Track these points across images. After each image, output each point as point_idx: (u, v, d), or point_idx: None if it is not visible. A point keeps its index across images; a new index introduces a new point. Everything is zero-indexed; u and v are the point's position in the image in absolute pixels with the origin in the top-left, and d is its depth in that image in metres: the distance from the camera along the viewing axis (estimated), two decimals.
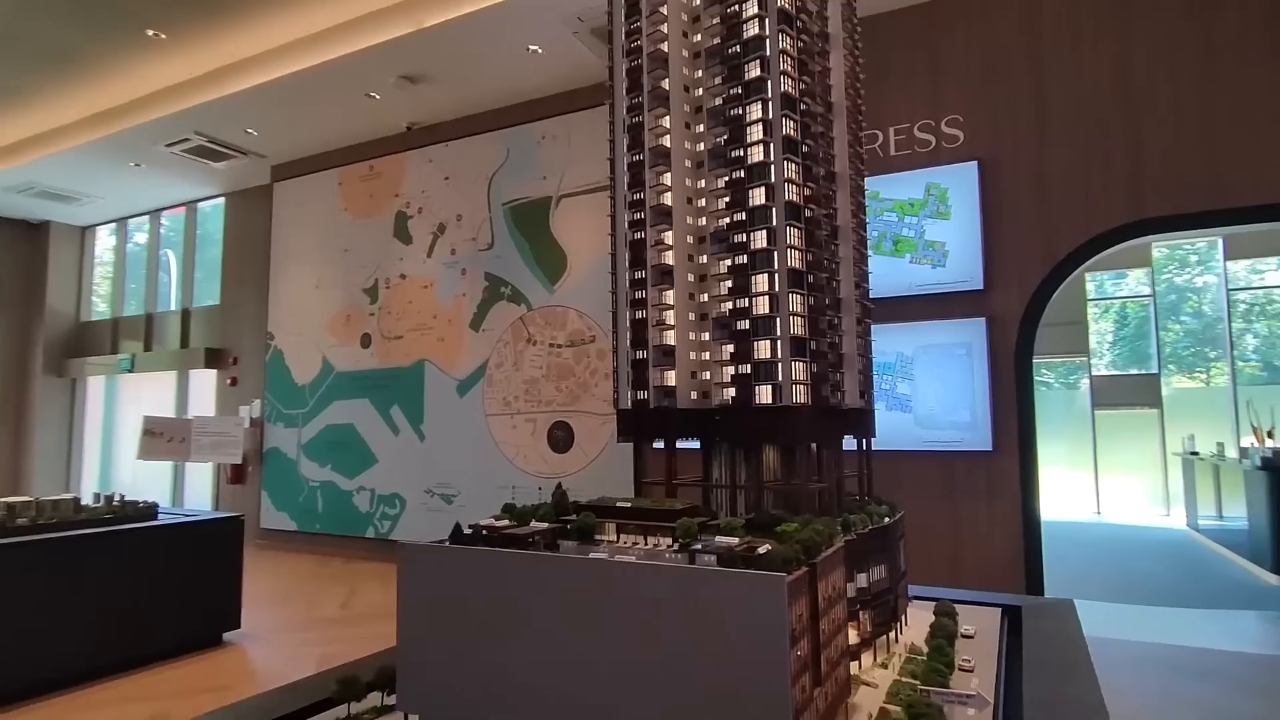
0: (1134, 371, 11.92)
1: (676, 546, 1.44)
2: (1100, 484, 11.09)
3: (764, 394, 1.67)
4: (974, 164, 5.13)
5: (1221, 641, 4.53)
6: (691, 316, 1.87)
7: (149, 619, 4.30)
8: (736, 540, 1.28)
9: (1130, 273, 11.66)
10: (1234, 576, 6.43)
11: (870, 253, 5.25)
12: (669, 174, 1.87)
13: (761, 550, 1.18)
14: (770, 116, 1.71)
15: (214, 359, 9.90)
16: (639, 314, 1.89)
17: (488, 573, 1.32)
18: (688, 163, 1.90)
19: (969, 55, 5.26)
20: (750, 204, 1.72)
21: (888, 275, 5.34)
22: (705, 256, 1.87)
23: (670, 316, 1.84)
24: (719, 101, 1.81)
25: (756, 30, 1.75)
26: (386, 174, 8.31)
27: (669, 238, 1.86)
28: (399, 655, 1.40)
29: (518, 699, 1.26)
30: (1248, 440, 7.83)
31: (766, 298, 1.68)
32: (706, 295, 1.87)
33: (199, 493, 10.15)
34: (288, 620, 5.28)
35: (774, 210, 1.69)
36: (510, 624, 1.29)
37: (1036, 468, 4.85)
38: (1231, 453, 7.86)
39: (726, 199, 1.77)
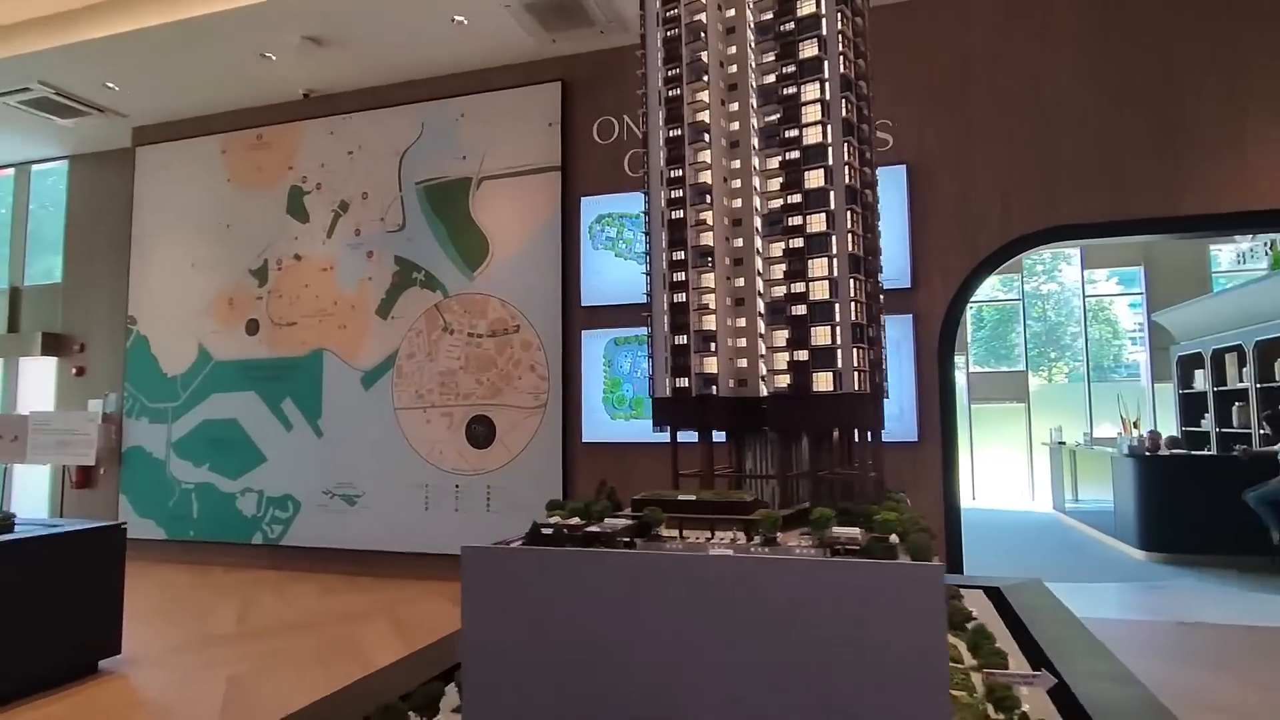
0: (1004, 369, 13.16)
1: (759, 539, 1.39)
2: (975, 472, 12.19)
3: (823, 381, 1.65)
4: (903, 167, 5.42)
5: (1108, 611, 5.08)
6: (728, 301, 1.82)
7: (4, 650, 3.68)
8: (859, 530, 1.25)
9: (995, 277, 12.91)
10: (1103, 553, 7.25)
11: None
12: (708, 151, 1.81)
13: (887, 541, 1.16)
14: (828, 97, 1.69)
15: (54, 345, 8.68)
16: (678, 297, 1.81)
17: (584, 576, 1.21)
18: (723, 141, 1.84)
19: (900, 63, 5.54)
20: (807, 186, 1.70)
21: None
22: (741, 239, 1.83)
23: (711, 300, 1.78)
24: (770, 79, 1.77)
25: (812, 9, 1.73)
26: (278, 144, 7.61)
27: (709, 218, 1.80)
28: (466, 674, 1.25)
29: (618, 715, 1.16)
30: (1116, 430, 8.85)
31: (826, 283, 1.66)
32: (742, 280, 1.83)
33: (34, 499, 8.88)
34: (176, 641, 4.71)
35: (832, 193, 1.67)
36: (610, 632, 1.18)
37: (957, 457, 5.22)
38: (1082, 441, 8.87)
39: (780, 180, 1.74)
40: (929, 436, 5.23)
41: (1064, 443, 9.58)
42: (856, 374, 1.63)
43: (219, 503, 7.42)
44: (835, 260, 1.66)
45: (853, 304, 1.64)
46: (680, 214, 1.83)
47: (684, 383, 1.80)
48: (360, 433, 6.95)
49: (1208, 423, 9.06)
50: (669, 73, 1.88)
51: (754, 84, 1.78)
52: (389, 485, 6.79)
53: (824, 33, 1.71)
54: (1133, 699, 1.48)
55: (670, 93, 1.87)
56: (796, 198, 1.70)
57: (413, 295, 6.95)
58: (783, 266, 1.71)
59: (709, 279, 1.80)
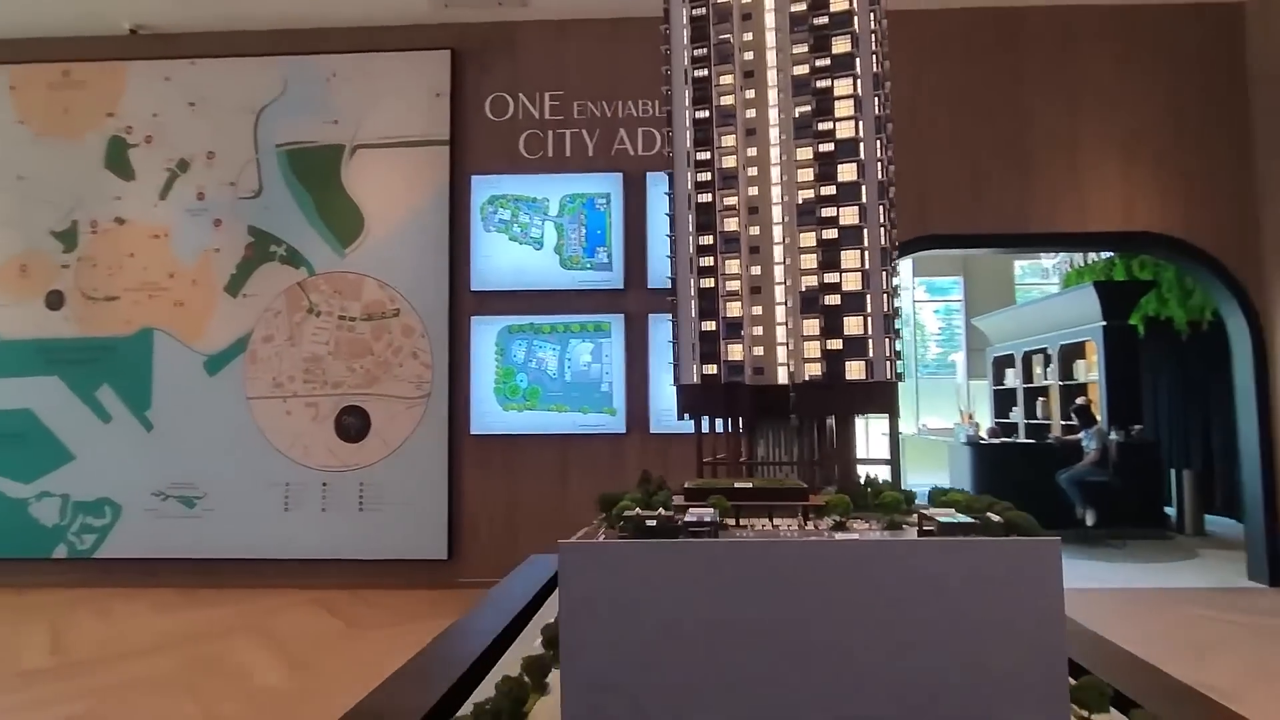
0: None
1: (830, 524, 1.43)
2: None
3: (855, 369, 1.72)
4: None
5: None
6: (748, 289, 1.84)
7: None
8: (953, 510, 1.32)
9: None
10: None
11: None
12: (733, 137, 1.81)
13: (985, 518, 1.24)
14: (860, 93, 1.76)
15: None
16: (705, 282, 1.80)
17: (692, 569, 1.17)
18: (752, 129, 1.86)
19: None
20: (840, 179, 1.75)
21: None
22: (757, 227, 1.86)
23: (737, 287, 1.80)
24: (803, 70, 1.80)
25: (845, 5, 1.78)
26: (94, 85, 6.50)
27: (736, 204, 1.80)
28: (566, 680, 1.16)
29: (734, 709, 1.14)
30: (951, 421, 10.01)
31: (859, 274, 1.73)
32: (758, 268, 1.85)
33: None
34: None
35: (864, 187, 1.74)
36: (730, 622, 1.15)
37: None
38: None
39: (813, 171, 1.78)
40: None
41: (900, 433, 10.70)
42: (887, 363, 1.71)
43: (4, 511, 6.22)
44: (867, 253, 1.73)
45: (884, 295, 1.73)
46: (708, 198, 1.81)
47: (711, 369, 1.79)
48: (203, 425, 6.15)
49: (1016, 415, 10.54)
50: (696, 52, 1.85)
51: (790, 74, 1.80)
52: (239, 484, 6.08)
53: (856, 29, 1.77)
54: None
55: (697, 73, 1.85)
56: (830, 189, 1.75)
57: (271, 271, 6.26)
58: (814, 256, 1.76)
59: (734, 265, 1.81)
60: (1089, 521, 7.18)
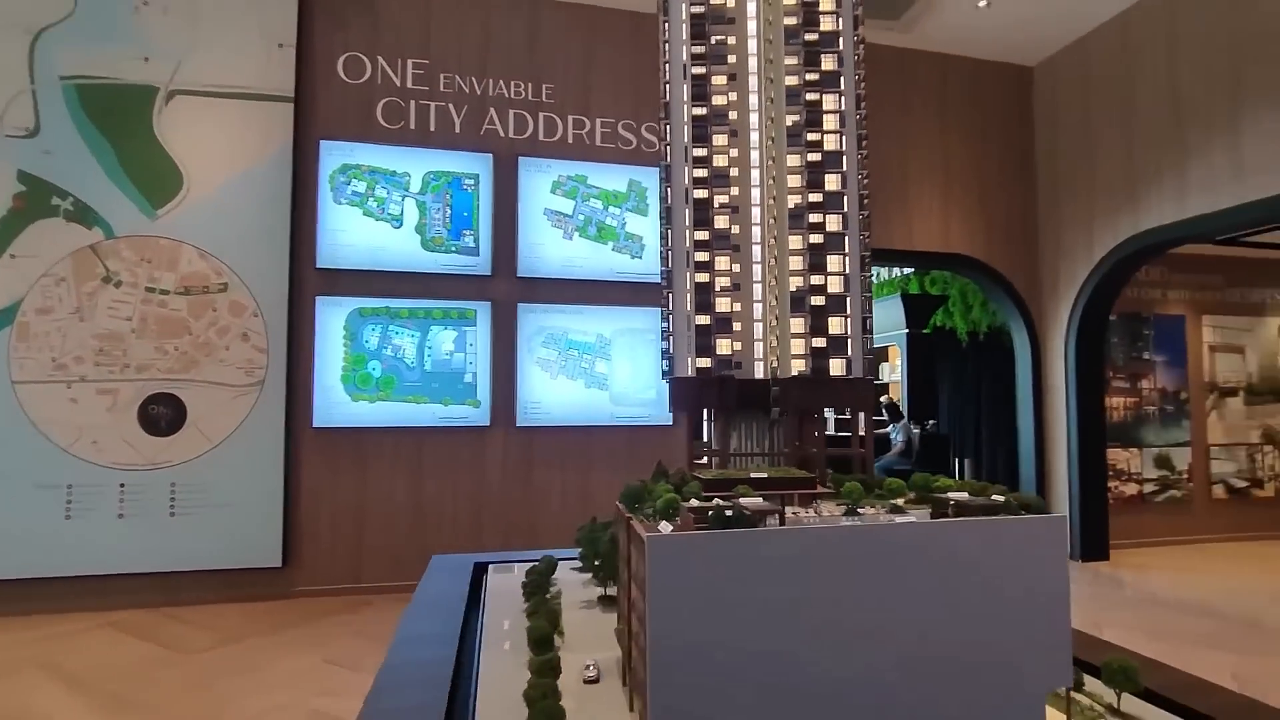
0: None
1: (843, 511, 1.55)
2: None
3: (836, 366, 1.87)
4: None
5: None
6: (736, 286, 1.93)
7: None
8: (967, 494, 1.48)
9: None
10: None
11: (575, 235, 5.65)
12: (724, 137, 1.89)
13: (996, 499, 1.42)
14: (845, 109, 1.91)
15: None
16: (701, 277, 1.85)
17: (777, 554, 1.22)
18: (746, 132, 1.94)
19: None
20: (827, 188, 1.89)
21: (592, 259, 5.79)
22: (738, 226, 1.95)
23: (726, 283, 1.87)
24: (793, 81, 1.91)
25: (832, 26, 1.92)
26: None
27: (728, 202, 1.88)
28: (653, 676, 1.15)
29: (813, 689, 1.21)
30: None
31: (841, 278, 1.88)
32: (738, 265, 1.94)
33: None
34: None
35: (846, 197, 1.90)
36: (807, 602, 1.22)
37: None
38: None
39: (800, 178, 1.90)
40: (680, 420, 5.87)
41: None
42: (864, 361, 1.89)
43: None
44: (848, 258, 1.89)
45: (861, 299, 1.89)
46: (704, 194, 1.87)
47: (705, 363, 1.85)
48: None
49: (830, 411, 11.72)
50: (694, 49, 1.89)
51: (783, 85, 1.90)
52: (2, 489, 5.00)
53: (841, 50, 1.92)
54: None
55: (695, 70, 1.89)
56: (817, 197, 1.89)
57: (51, 229, 5.22)
58: (802, 259, 1.88)
59: (723, 262, 1.88)
60: None
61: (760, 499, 1.40)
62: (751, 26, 1.96)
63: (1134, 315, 6.90)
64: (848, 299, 1.88)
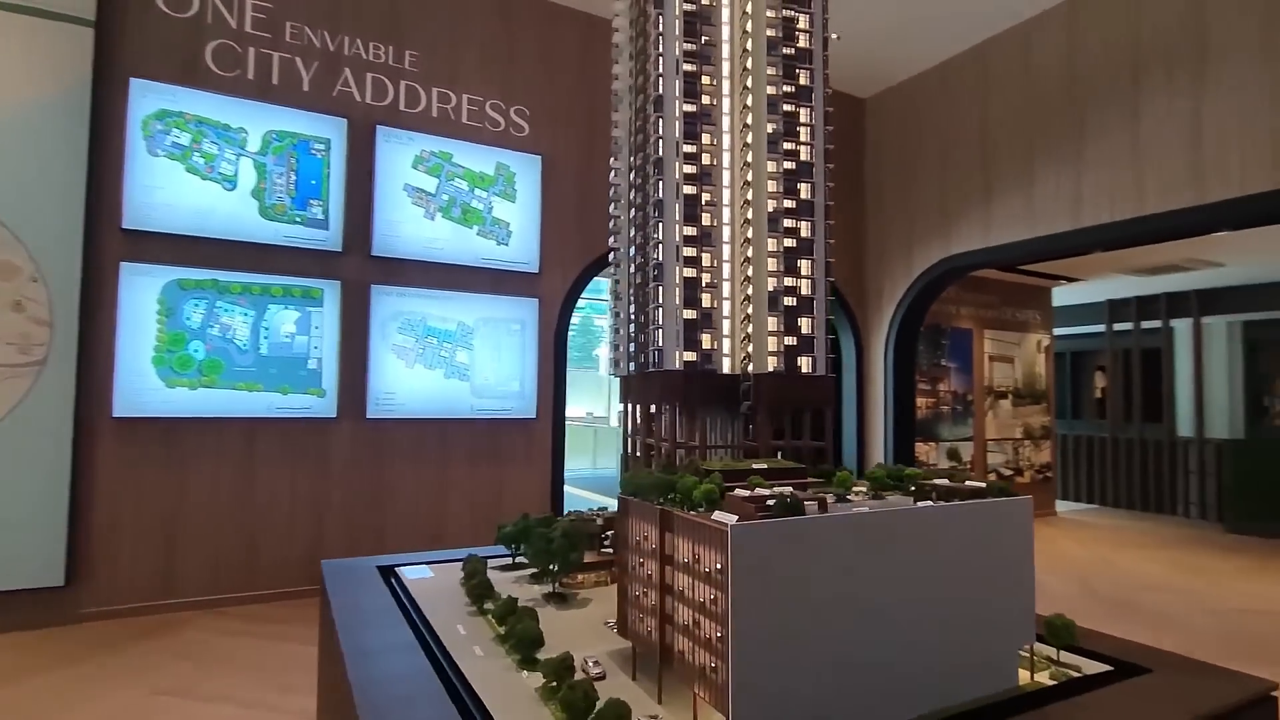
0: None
1: (834, 498, 1.69)
2: None
3: (804, 364, 2.01)
4: (538, 158, 5.87)
5: None
6: (704, 282, 2.01)
7: None
8: (949, 480, 1.66)
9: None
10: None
11: (438, 216, 5.45)
12: (710, 136, 1.96)
13: (972, 484, 1.62)
14: (815, 123, 2.06)
15: None
16: (689, 272, 1.90)
17: (842, 537, 1.31)
18: (730, 135, 2.02)
19: (539, 59, 5.97)
20: (801, 196, 2.02)
21: (455, 242, 5.56)
22: (710, 223, 2.03)
23: (709, 279, 1.95)
24: (775, 91, 2.02)
25: (807, 44, 2.06)
26: None
27: (713, 200, 1.95)
28: (736, 658, 1.18)
29: (872, 667, 1.32)
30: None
31: (809, 281, 2.02)
32: (709, 260, 2.03)
33: None
34: None
35: (816, 205, 2.05)
36: (863, 593, 1.33)
37: (564, 434, 5.96)
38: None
39: (777, 185, 2.01)
40: (544, 414, 5.83)
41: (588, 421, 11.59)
42: (827, 360, 2.05)
43: None
44: (815, 263, 2.05)
45: (825, 301, 2.06)
46: (693, 190, 1.92)
47: (691, 356, 1.90)
48: None
49: None
50: (687, 45, 1.93)
51: (764, 94, 2.01)
52: None
53: (815, 66, 2.07)
54: None
55: (687, 67, 1.93)
56: (791, 203, 2.02)
57: None
58: (777, 261, 2.00)
59: (706, 259, 1.95)
60: None
61: (789, 488, 1.49)
62: (725, 32, 2.05)
63: (935, 327, 8.03)
64: (814, 301, 2.04)
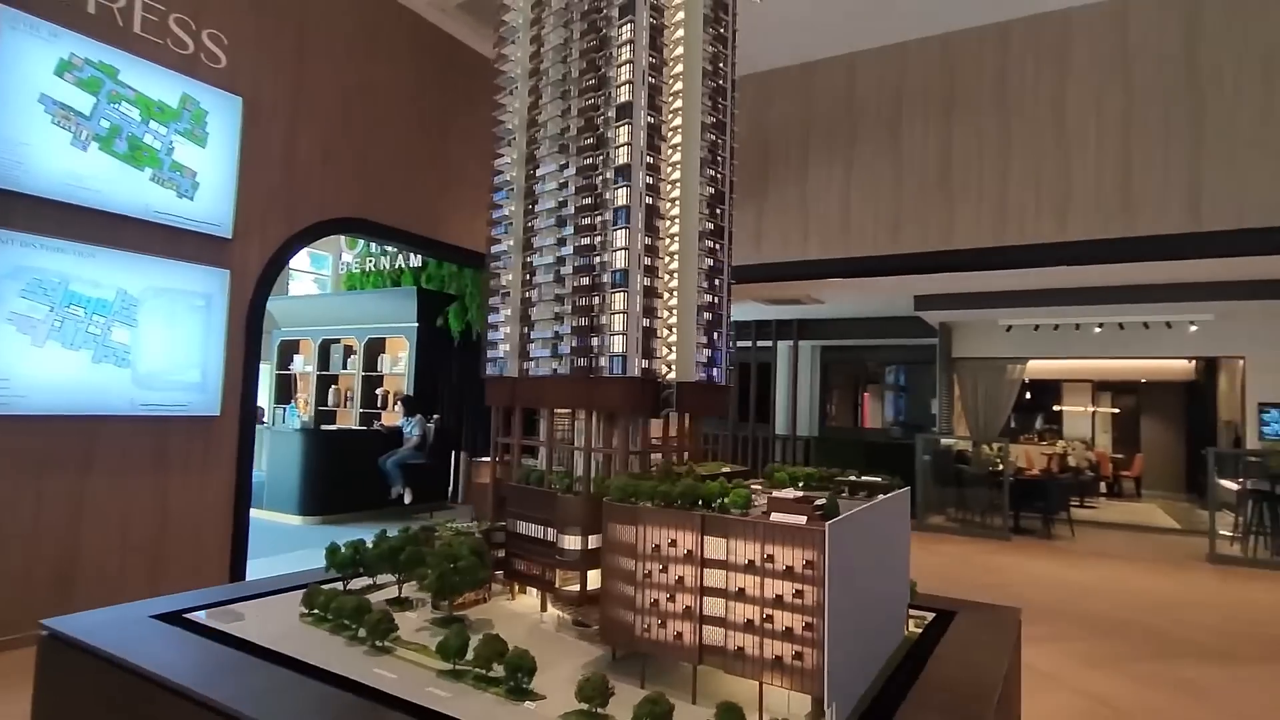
0: None
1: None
2: None
3: (716, 374, 2.22)
4: (239, 100, 4.93)
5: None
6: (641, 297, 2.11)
7: None
8: (853, 479, 2.00)
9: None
10: (262, 525, 7.94)
11: (93, 146, 4.47)
12: (664, 151, 2.08)
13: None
14: (727, 154, 2.30)
15: None
16: (646, 281, 1.97)
17: (868, 528, 1.55)
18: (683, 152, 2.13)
19: None
20: (720, 221, 2.23)
21: (118, 185, 4.39)
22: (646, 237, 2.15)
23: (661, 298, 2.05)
24: (710, 120, 2.19)
25: (725, 83, 2.29)
26: None
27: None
28: (831, 648, 1.34)
29: (865, 635, 1.58)
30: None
31: (722, 299, 2.25)
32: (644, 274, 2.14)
33: None
34: None
35: (726, 229, 2.28)
36: (866, 576, 1.59)
37: (254, 435, 5.09)
38: None
39: (705, 208, 2.19)
40: (230, 412, 4.89)
41: None
42: (728, 371, 2.31)
43: None
44: (724, 282, 2.29)
45: (729, 317, 2.31)
46: (651, 201, 2.00)
47: (646, 363, 1.97)
48: None
49: (314, 402, 11.03)
50: (651, 58, 2.00)
51: (698, 118, 2.17)
52: None
53: (728, 102, 2.32)
54: None
55: (651, 79, 2.00)
56: (711, 225, 2.23)
57: None
58: (704, 276, 2.19)
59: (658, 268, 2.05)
60: (407, 499, 8.43)
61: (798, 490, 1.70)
62: (665, 53, 2.17)
63: None
64: (723, 317, 2.28)
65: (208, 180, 4.78)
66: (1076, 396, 15.74)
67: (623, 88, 1.97)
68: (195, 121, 4.73)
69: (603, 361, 1.96)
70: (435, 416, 9.35)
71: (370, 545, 2.19)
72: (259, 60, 5.10)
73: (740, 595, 1.48)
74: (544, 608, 2.13)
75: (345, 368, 10.86)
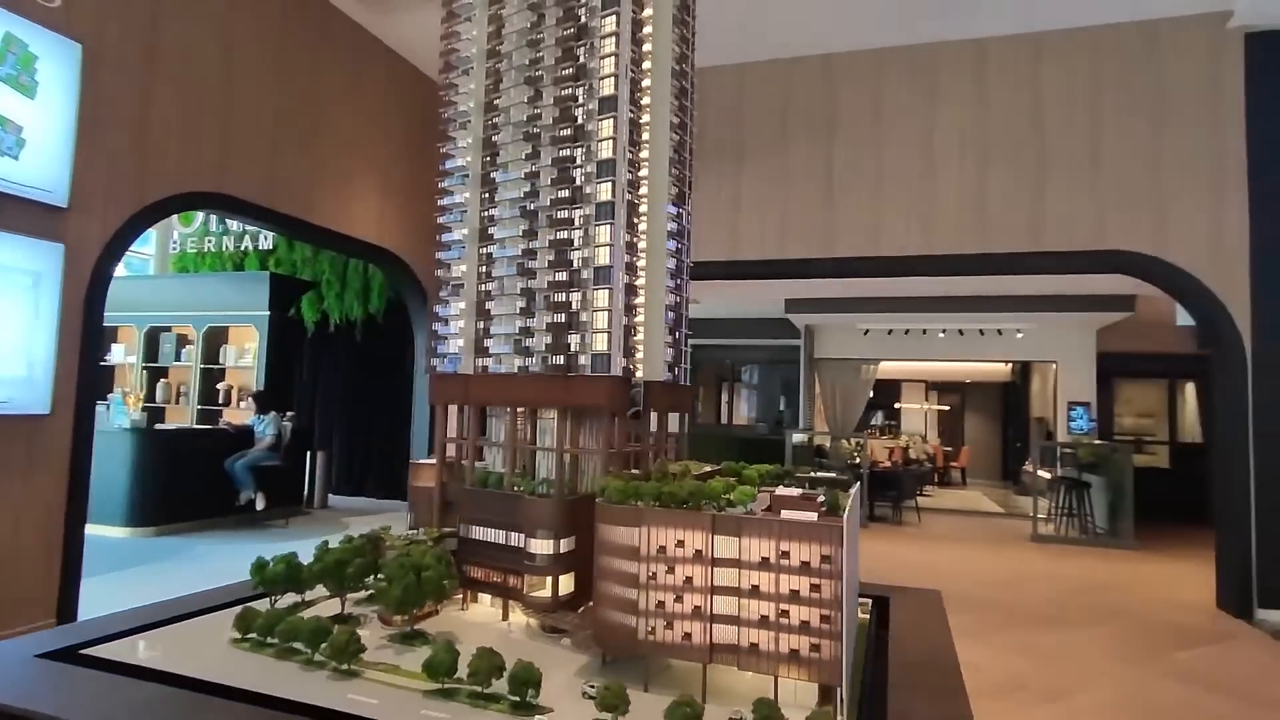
0: None
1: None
2: None
3: (679, 373, 2.25)
4: (78, 47, 4.30)
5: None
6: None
7: None
8: (809, 474, 2.09)
9: None
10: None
11: None
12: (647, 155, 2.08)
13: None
14: (690, 155, 2.33)
15: None
16: (628, 279, 1.97)
17: (854, 524, 1.64)
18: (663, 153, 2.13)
19: None
20: (681, 220, 2.26)
21: None
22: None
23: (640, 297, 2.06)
24: (676, 120, 2.21)
25: (690, 78, 2.32)
26: None
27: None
28: (846, 638, 1.41)
29: (852, 627, 1.68)
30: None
31: (683, 299, 2.28)
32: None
33: None
34: None
35: (687, 229, 2.32)
36: (855, 568, 1.68)
37: (91, 437, 4.48)
38: None
39: (673, 211, 2.21)
40: (62, 410, 4.27)
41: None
42: (686, 370, 2.35)
43: None
44: (685, 282, 2.33)
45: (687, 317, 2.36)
46: (631, 197, 2.00)
47: (625, 362, 1.96)
48: None
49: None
50: (633, 53, 2.00)
51: (667, 118, 2.19)
52: None
53: (690, 104, 2.35)
54: None
55: (633, 74, 1.99)
56: (674, 225, 2.25)
57: None
58: (669, 277, 2.21)
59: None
60: (260, 506, 7.74)
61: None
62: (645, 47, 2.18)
63: None
64: (684, 316, 2.32)
65: (37, 138, 4.14)
66: (913, 395, 17.37)
67: (606, 80, 1.95)
68: (21, 67, 4.08)
69: (583, 360, 1.93)
70: (290, 414, 8.66)
71: (317, 556, 2.01)
72: (103, 4, 4.48)
73: (754, 592, 1.53)
74: (505, 616, 2.06)
75: (179, 359, 9.78)
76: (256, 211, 5.56)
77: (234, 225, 10.50)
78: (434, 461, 2.40)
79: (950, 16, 5.91)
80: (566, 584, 1.96)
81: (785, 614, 1.49)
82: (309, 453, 9.12)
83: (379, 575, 1.99)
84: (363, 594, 2.18)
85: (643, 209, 2.12)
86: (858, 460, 10.00)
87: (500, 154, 2.17)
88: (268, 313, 9.04)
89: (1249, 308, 5.51)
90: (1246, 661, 4.59)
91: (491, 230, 2.18)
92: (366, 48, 6.65)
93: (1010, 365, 14.92)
